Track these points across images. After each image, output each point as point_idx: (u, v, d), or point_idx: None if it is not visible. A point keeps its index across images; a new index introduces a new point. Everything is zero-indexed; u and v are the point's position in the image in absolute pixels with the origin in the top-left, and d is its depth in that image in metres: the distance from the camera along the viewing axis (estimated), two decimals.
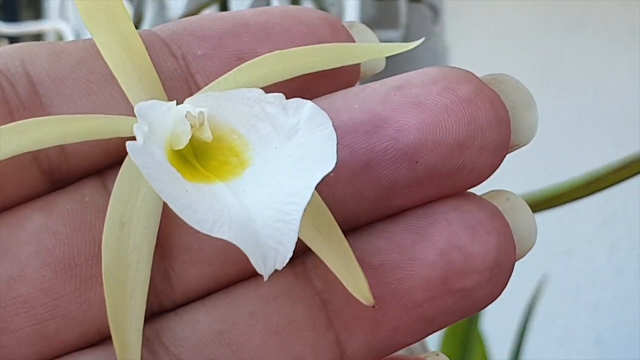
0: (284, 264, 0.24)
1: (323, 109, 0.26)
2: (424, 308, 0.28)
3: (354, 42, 0.30)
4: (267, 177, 0.26)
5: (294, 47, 0.29)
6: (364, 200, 0.28)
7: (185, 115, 0.26)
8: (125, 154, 0.27)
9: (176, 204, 0.24)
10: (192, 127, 0.26)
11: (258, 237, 0.25)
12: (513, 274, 0.28)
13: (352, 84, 0.30)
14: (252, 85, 0.28)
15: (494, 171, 0.28)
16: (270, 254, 0.25)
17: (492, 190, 0.29)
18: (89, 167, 0.28)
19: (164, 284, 0.28)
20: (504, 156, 0.28)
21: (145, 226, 0.27)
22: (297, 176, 0.26)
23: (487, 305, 0.28)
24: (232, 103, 0.27)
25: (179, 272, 0.28)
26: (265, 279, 0.24)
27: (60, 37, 1.32)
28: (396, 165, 0.27)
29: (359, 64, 0.30)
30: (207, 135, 0.26)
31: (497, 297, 0.28)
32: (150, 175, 0.24)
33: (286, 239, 0.25)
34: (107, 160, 0.28)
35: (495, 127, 0.28)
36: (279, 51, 0.28)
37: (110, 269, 0.27)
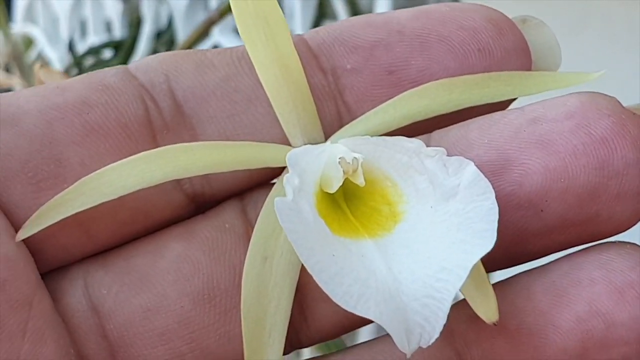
0: (429, 344, 0.23)
1: (459, 139, 0.25)
2: None
3: (524, 42, 0.28)
4: (419, 241, 0.24)
5: (451, 56, 0.27)
6: (498, 246, 0.25)
7: (339, 161, 0.25)
8: (270, 178, 0.26)
9: (322, 275, 0.22)
10: (344, 173, 0.25)
11: (405, 311, 0.23)
12: None
13: None
14: (411, 117, 0.26)
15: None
16: (415, 329, 0.23)
17: None
18: (232, 191, 0.27)
19: (300, 317, 0.27)
20: None
21: (288, 262, 0.25)
22: (453, 249, 0.24)
23: None
24: (389, 150, 0.25)
25: (312, 308, 0.27)
26: (408, 357, 0.23)
27: (29, 41, 1.32)
28: (522, 213, 0.25)
29: (529, 59, 0.28)
30: (359, 181, 0.25)
31: None
32: (297, 242, 0.23)
33: (434, 318, 0.23)
34: (250, 184, 0.27)
35: (636, 170, 0.25)
36: (445, 80, 0.26)
37: (250, 305, 0.25)
